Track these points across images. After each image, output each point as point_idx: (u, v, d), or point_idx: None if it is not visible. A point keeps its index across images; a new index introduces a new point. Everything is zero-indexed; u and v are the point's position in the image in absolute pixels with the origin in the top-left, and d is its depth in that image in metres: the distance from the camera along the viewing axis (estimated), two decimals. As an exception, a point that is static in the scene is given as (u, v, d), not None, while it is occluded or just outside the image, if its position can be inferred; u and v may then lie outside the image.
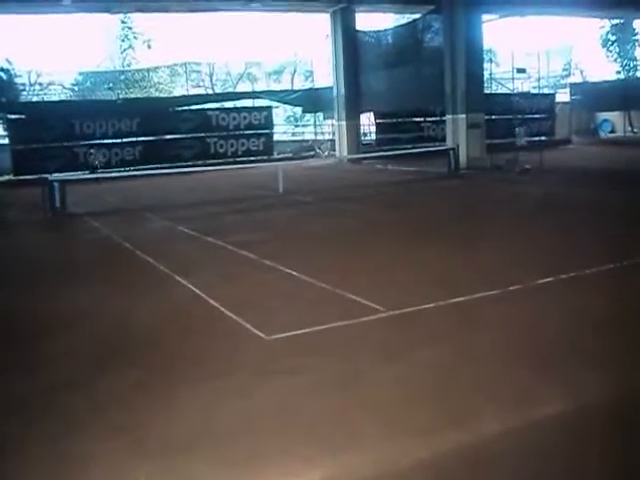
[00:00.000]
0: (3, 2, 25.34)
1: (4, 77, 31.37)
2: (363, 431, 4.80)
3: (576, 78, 48.30)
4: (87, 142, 29.82)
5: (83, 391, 5.77)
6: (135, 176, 25.47)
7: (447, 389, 5.49)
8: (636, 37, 50.62)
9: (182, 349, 6.79)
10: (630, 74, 49.68)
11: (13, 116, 29.73)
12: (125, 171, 27.57)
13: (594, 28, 50.43)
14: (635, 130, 40.66)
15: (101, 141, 30.25)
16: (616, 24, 49.22)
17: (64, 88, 36.33)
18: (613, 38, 50.74)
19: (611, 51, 51.32)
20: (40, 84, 34.81)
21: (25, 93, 34.02)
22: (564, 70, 48.23)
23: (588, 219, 13.26)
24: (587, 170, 23.42)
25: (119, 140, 30.64)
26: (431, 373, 5.82)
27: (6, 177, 28.38)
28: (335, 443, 4.65)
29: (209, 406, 5.37)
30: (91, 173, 26.39)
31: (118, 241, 13.46)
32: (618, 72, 50.51)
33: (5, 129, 31.28)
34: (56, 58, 50.93)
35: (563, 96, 41.99)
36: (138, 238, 13.63)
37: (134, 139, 30.92)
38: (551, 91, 42.65)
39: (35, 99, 34.07)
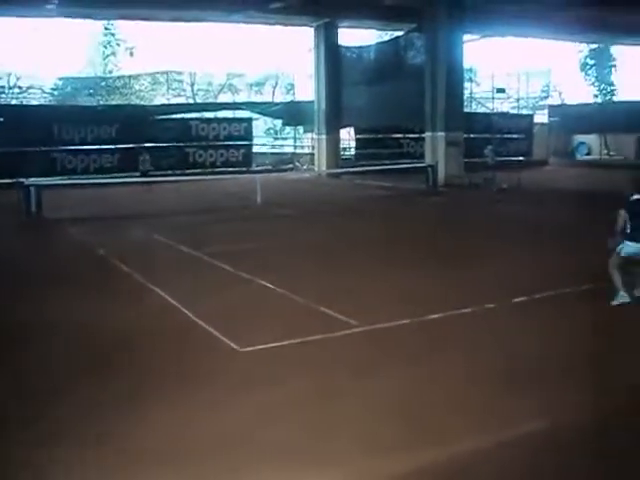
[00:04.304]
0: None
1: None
2: (341, 448, 4.83)
3: (554, 100, 48.87)
4: (66, 147, 29.60)
5: (53, 406, 5.69)
6: (113, 183, 25.33)
7: (414, 404, 5.53)
8: (613, 62, 51.46)
9: (154, 361, 6.76)
10: (607, 98, 50.41)
11: (-10, 119, 29.44)
12: (103, 178, 27.40)
13: (573, 52, 51.33)
14: (611, 153, 41.15)
15: (80, 147, 30.01)
16: (594, 49, 50.01)
17: (44, 92, 36.10)
18: (591, 62, 51.56)
19: (589, 75, 52.13)
20: (19, 87, 34.59)
21: (4, 96, 33.74)
22: (543, 92, 48.76)
23: (554, 243, 13.34)
24: (561, 191, 23.68)
25: (97, 147, 30.43)
26: (401, 388, 5.86)
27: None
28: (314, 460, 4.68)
29: (183, 420, 5.36)
30: (142, 176, 26.40)
31: (93, 248, 13.35)
32: (595, 96, 51.27)
33: (-18, 131, 30.94)
34: (37, 62, 50.45)
35: (541, 117, 42.44)
36: (113, 246, 13.52)
37: (113, 146, 30.73)
38: (530, 112, 43.10)
39: (14, 102, 33.80)
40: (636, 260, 8.41)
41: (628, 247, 8.35)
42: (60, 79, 37.42)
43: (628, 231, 8.36)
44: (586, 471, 4.48)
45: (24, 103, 34.13)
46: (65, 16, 29.61)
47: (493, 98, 40.95)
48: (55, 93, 37.01)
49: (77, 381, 6.17)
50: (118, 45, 46.96)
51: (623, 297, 8.30)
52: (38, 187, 17.74)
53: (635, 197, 8.49)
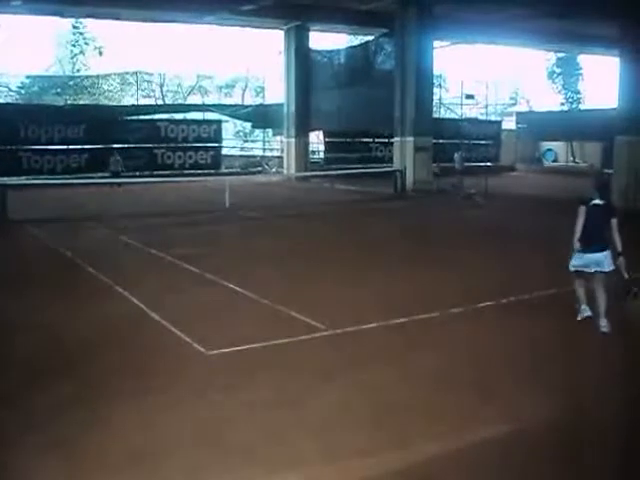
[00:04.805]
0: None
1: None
2: (302, 452, 4.83)
3: (522, 107, 49.45)
4: (32, 147, 29.19)
5: (18, 406, 5.63)
6: (80, 184, 25.05)
7: (380, 408, 5.56)
8: (580, 71, 52.24)
9: (120, 363, 6.70)
10: (573, 106, 51.14)
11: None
12: (70, 178, 27.07)
13: (541, 60, 52.03)
14: (577, 160, 41.67)
15: (47, 147, 29.63)
16: (561, 57, 50.70)
17: (10, 90, 35.57)
18: (558, 70, 52.28)
19: (556, 83, 52.86)
20: (-16, 85, 34.08)
21: (-32, 93, 33.25)
22: (511, 99, 49.41)
23: (518, 249, 13.49)
24: (527, 197, 23.94)
25: (65, 147, 30.07)
26: (367, 393, 5.89)
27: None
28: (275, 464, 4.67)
29: (144, 422, 5.33)
30: (113, 177, 26.14)
31: (58, 250, 13.20)
32: (562, 103, 51.97)
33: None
34: (2, 59, 49.68)
35: (509, 124, 42.90)
36: (79, 248, 13.38)
37: (80, 146, 30.37)
38: (498, 118, 43.53)
39: (-22, 100, 33.32)
40: (588, 273, 7.74)
41: (577, 259, 7.75)
42: (27, 77, 36.91)
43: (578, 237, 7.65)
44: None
45: (-11, 101, 33.64)
46: (32, 13, 29.24)
47: (462, 104, 41.30)
48: (22, 91, 36.51)
49: (43, 381, 6.10)
50: (87, 44, 46.49)
51: (585, 311, 7.91)
52: (3, 187, 17.49)
53: (595, 202, 7.63)
